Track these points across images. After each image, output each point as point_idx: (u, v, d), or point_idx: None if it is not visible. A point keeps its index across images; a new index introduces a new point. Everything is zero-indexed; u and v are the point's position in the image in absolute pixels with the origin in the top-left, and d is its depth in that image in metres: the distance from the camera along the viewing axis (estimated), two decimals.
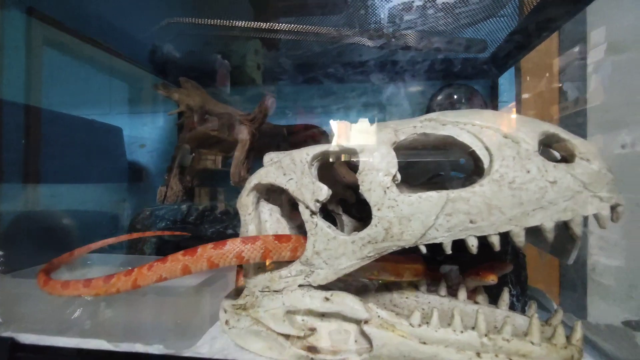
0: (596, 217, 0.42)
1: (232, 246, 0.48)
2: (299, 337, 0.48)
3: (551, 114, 0.97)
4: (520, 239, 0.43)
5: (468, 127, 0.46)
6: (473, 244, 0.44)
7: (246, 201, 0.52)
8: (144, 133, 1.17)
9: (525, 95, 0.98)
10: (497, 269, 0.59)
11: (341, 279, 0.48)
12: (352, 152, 0.48)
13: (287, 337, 0.48)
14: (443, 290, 0.58)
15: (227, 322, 0.52)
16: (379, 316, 0.46)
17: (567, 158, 0.45)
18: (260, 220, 0.54)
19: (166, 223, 0.69)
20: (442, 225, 0.44)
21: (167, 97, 0.93)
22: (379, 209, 0.45)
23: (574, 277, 0.97)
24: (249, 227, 0.52)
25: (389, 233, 0.45)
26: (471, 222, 0.43)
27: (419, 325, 0.45)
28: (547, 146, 0.48)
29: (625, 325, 0.73)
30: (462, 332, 0.44)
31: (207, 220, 0.70)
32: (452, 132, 0.46)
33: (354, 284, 0.61)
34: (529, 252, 0.82)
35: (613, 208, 0.43)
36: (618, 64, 0.89)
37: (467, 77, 0.99)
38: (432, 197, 0.44)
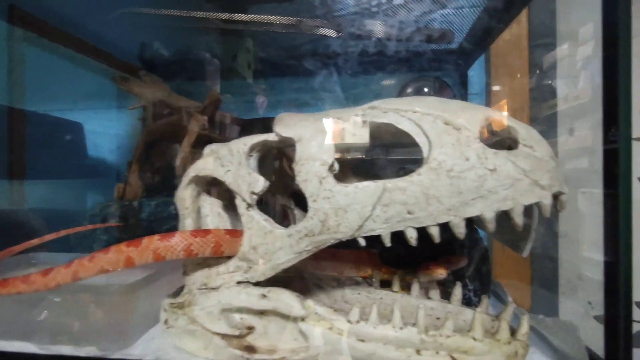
0: (538, 206, 0.40)
1: (181, 239, 0.46)
2: (236, 336, 0.46)
3: (521, 105, 0.96)
4: (460, 230, 0.41)
5: (409, 114, 0.44)
6: (412, 235, 0.42)
7: (183, 194, 0.50)
8: (111, 129, 1.14)
9: (495, 87, 0.96)
10: (451, 263, 0.57)
11: (297, 274, 0.47)
12: (289, 142, 0.45)
13: (223, 336, 0.46)
14: (396, 286, 0.56)
15: (166, 322, 0.50)
16: (316, 313, 0.44)
17: (512, 145, 0.43)
18: (201, 214, 0.51)
19: (117, 220, 0.66)
20: (379, 217, 0.42)
21: (127, 91, 0.91)
22: (314, 200, 0.43)
23: (545, 272, 0.95)
24: (185, 221, 0.50)
25: (325, 225, 0.43)
26: (409, 212, 0.41)
27: (357, 322, 0.43)
28: (495, 134, 0.46)
29: (598, 320, 0.72)
30: (401, 328, 0.42)
31: (160, 217, 0.68)
32: (393, 119, 0.44)
33: (311, 280, 0.59)
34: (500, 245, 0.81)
35: (556, 197, 0.41)
36: (586, 55, 0.88)
37: (437, 69, 0.98)
38: (369, 187, 0.42)
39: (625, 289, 0.42)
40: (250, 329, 0.46)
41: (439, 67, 0.98)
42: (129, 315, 0.50)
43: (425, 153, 0.42)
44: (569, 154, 0.85)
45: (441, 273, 0.50)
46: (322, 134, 0.44)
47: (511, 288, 0.84)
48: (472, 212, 0.40)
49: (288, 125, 0.46)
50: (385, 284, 0.57)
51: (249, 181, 0.46)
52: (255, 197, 0.46)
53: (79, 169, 0.95)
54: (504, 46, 0.96)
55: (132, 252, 0.45)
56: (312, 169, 0.43)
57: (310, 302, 0.44)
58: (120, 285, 0.51)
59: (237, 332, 0.45)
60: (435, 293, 0.54)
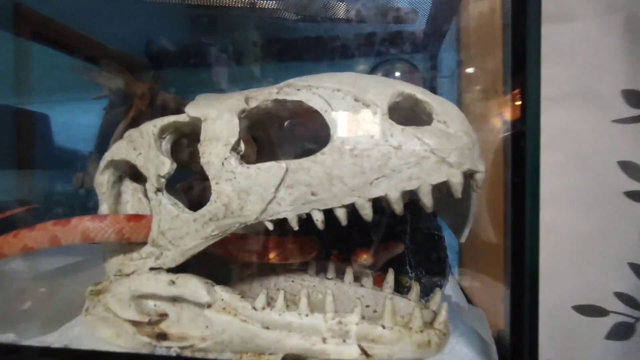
0: (448, 185, 0.38)
1: (113, 221, 0.45)
2: (148, 323, 0.45)
3: (495, 87, 0.92)
4: (365, 211, 0.39)
5: (320, 90, 0.41)
6: (318, 218, 0.40)
7: (100, 179, 0.49)
8: (83, 120, 1.14)
9: (467, 69, 0.92)
10: (387, 250, 0.55)
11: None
12: (198, 121, 0.44)
13: (133, 323, 0.45)
14: (331, 273, 0.54)
15: (87, 309, 0.49)
16: (222, 300, 0.42)
17: (428, 121, 0.40)
18: (122, 200, 0.50)
19: (63, 209, 0.66)
20: (284, 199, 0.40)
21: (90, 80, 0.90)
22: (217, 183, 0.41)
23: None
24: (102, 207, 0.48)
25: (228, 209, 0.41)
26: (313, 194, 0.39)
27: (263, 309, 0.41)
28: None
29: (575, 310, 0.69)
30: (307, 315, 0.40)
31: None
32: (304, 96, 0.42)
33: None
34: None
35: (471, 175, 0.38)
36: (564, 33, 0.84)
37: (406, 51, 0.94)
38: (271, 168, 0.39)
39: (530, 272, 0.39)
40: (163, 315, 0.45)
41: (409, 49, 0.94)
42: (50, 302, 0.50)
43: (332, 131, 0.40)
44: None
45: (365, 259, 0.48)
46: (229, 113, 0.42)
47: (480, 280, 0.81)
48: (376, 193, 0.38)
49: (197, 105, 0.44)
50: (322, 271, 0.55)
51: (156, 164, 0.44)
52: (162, 180, 0.44)
53: (46, 159, 0.95)
54: (475, 25, 0.91)
55: (58, 231, 0.44)
56: (214, 150, 0.41)
57: (217, 289, 0.43)
58: (42, 272, 0.50)
59: (146, 319, 0.44)
60: (367, 280, 0.52)
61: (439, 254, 0.64)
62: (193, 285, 0.43)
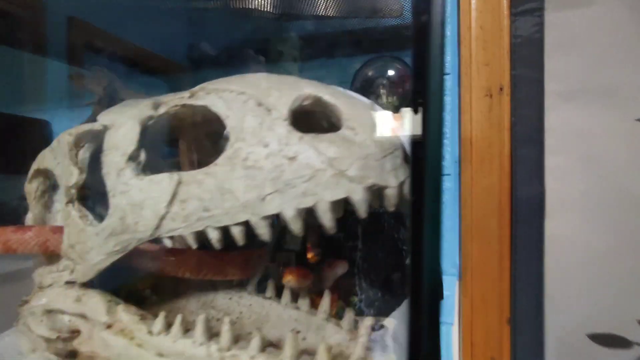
0: (352, 203, 0.32)
1: (37, 233, 0.44)
2: (62, 339, 0.43)
3: (500, 84, 0.82)
4: (262, 231, 0.34)
5: (225, 94, 0.37)
6: (212, 237, 0.36)
7: (28, 188, 0.48)
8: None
9: (468, 65, 0.83)
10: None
11: None
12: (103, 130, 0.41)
13: (46, 339, 0.43)
14: (269, 292, 0.49)
15: (17, 320, 0.49)
16: (121, 320, 0.39)
17: (338, 127, 0.35)
18: (53, 209, 0.49)
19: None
20: (178, 214, 0.36)
21: (80, 88, 0.92)
22: (113, 195, 0.38)
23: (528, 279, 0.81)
24: (27, 216, 0.48)
25: (124, 223, 0.38)
26: (205, 210, 0.35)
27: (159, 334, 0.38)
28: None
29: (592, 339, 0.60)
30: (201, 344, 0.36)
31: None
32: (209, 101, 0.38)
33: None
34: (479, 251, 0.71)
35: (381, 190, 0.33)
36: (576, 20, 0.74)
37: (399, 48, 0.87)
38: (163, 181, 0.36)
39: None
40: (75, 332, 0.43)
41: (403, 46, 0.87)
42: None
43: (229, 140, 0.36)
44: None
45: (288, 280, 0.43)
46: (131, 121, 0.39)
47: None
48: (270, 210, 0.33)
49: (110, 112, 0.42)
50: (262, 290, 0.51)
51: (67, 174, 0.42)
52: (72, 191, 0.42)
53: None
54: (477, 16, 0.83)
55: None
56: (112, 160, 0.38)
57: (119, 308, 0.40)
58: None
59: (54, 335, 0.42)
60: (304, 302, 0.47)
61: (404, 273, 0.57)
62: (94, 304, 0.40)
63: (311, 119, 0.38)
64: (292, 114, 0.34)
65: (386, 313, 0.49)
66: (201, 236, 0.37)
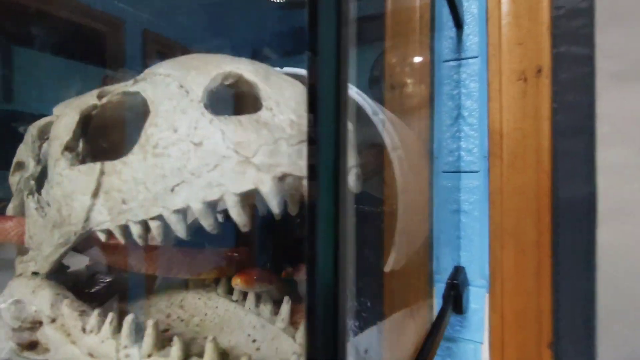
0: (260, 193, 0.27)
1: (17, 224, 0.46)
2: (25, 329, 0.44)
3: (539, 65, 0.70)
4: (176, 226, 0.31)
5: (155, 78, 0.35)
6: (134, 232, 0.33)
7: (11, 180, 0.50)
8: None
9: (496, 45, 0.72)
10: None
11: None
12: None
13: (13, 328, 0.44)
14: (236, 294, 0.46)
15: None
16: (62, 315, 0.38)
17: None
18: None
19: None
20: (103, 207, 0.34)
21: None
22: (52, 187, 0.37)
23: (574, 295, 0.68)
24: (9, 206, 0.49)
25: (61, 215, 0.37)
26: (124, 202, 0.32)
27: (91, 332, 0.36)
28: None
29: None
30: (125, 347, 0.34)
31: None
32: (141, 87, 0.35)
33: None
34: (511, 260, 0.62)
35: (300, 182, 0.27)
36: None
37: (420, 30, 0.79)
38: (88, 170, 0.34)
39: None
40: (36, 323, 0.43)
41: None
42: None
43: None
44: None
45: (236, 283, 0.39)
46: (73, 110, 0.38)
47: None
48: (178, 203, 0.30)
49: (64, 103, 0.42)
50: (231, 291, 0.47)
51: (29, 165, 0.43)
52: (31, 182, 0.42)
53: None
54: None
55: None
56: (52, 151, 0.38)
57: (65, 303, 0.39)
58: None
59: (17, 325, 0.43)
60: (265, 308, 0.42)
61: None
62: (42, 296, 0.40)
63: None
64: (210, 94, 0.30)
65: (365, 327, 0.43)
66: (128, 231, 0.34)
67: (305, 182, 0.27)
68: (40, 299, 0.40)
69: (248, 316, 0.43)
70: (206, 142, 0.28)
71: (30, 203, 0.42)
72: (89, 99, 0.39)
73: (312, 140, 0.20)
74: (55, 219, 0.38)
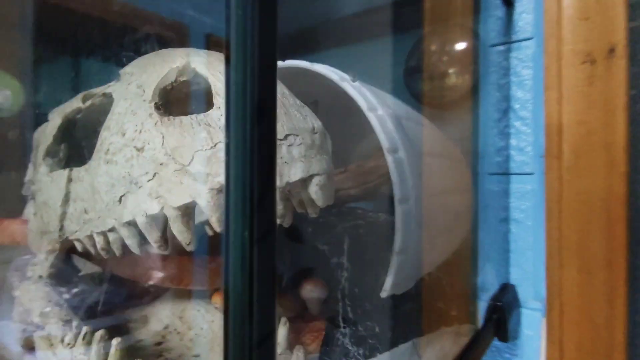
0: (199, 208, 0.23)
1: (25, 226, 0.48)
2: (32, 332, 0.44)
3: (612, 43, 0.57)
4: (129, 240, 0.28)
5: (124, 77, 0.32)
6: (97, 243, 0.31)
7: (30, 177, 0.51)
8: None
9: (554, 22, 0.60)
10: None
11: None
12: None
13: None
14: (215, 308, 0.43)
15: None
16: (50, 323, 0.38)
17: None
18: None
19: None
20: (73, 215, 0.32)
21: None
22: (34, 193, 0.37)
23: None
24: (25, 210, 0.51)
25: (43, 222, 0.36)
26: (85, 212, 0.30)
27: (68, 345, 0.35)
28: None
29: None
30: None
31: None
32: (113, 87, 0.33)
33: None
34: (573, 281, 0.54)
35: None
36: None
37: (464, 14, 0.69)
38: (58, 178, 0.33)
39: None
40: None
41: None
42: None
43: None
44: None
45: (216, 302, 0.35)
46: (57, 114, 0.37)
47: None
48: (125, 215, 0.26)
49: (57, 108, 0.41)
50: None
51: (29, 171, 0.43)
52: (31, 187, 0.42)
53: None
54: None
55: None
56: (36, 156, 0.37)
57: (52, 311, 0.38)
58: None
59: (22, 328, 0.43)
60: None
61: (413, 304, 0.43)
62: (34, 302, 0.40)
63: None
64: (163, 93, 0.27)
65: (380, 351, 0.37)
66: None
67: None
68: (33, 305, 0.40)
69: None
70: (147, 147, 0.24)
71: (30, 208, 0.42)
72: (75, 103, 0.37)
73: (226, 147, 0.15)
74: (39, 225, 0.37)
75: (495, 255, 0.62)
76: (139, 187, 0.25)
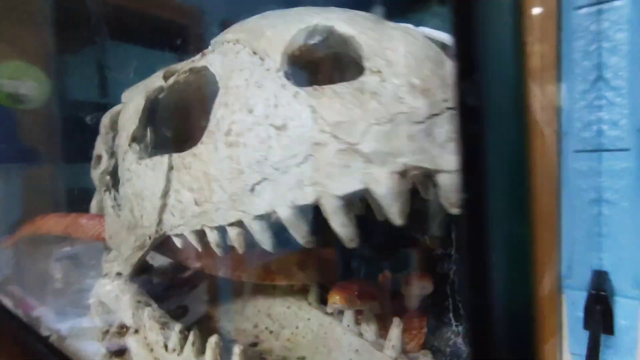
0: (372, 197, 0.19)
1: (97, 222, 0.45)
2: (113, 332, 0.41)
3: None
4: (259, 236, 0.24)
5: (223, 47, 0.28)
6: (211, 239, 0.27)
7: (93, 175, 0.47)
8: None
9: None
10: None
11: None
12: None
13: (102, 329, 0.42)
14: (331, 307, 0.39)
15: None
16: (144, 325, 0.34)
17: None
18: None
19: None
20: (175, 208, 0.28)
21: None
22: (122, 184, 0.33)
23: None
24: (92, 202, 0.47)
25: (134, 216, 0.32)
26: (196, 203, 0.26)
27: (174, 351, 0.31)
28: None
29: None
30: None
31: None
32: (210, 59, 0.29)
33: None
34: None
35: (428, 177, 0.19)
36: None
37: None
38: (156, 165, 0.29)
39: None
40: (123, 328, 0.41)
41: None
42: None
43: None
44: None
45: (335, 301, 0.31)
46: (139, 95, 0.33)
47: None
48: (261, 207, 0.22)
49: (132, 87, 0.37)
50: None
51: (104, 159, 0.39)
52: (107, 177, 0.39)
53: None
54: None
55: (66, 223, 0.47)
56: (120, 142, 0.33)
57: (148, 313, 0.35)
58: None
59: (104, 329, 0.41)
60: (369, 329, 0.35)
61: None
62: (123, 304, 0.37)
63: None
64: (291, 59, 0.22)
65: None
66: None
67: (441, 179, 0.18)
68: (122, 306, 0.37)
69: (347, 336, 0.35)
70: (291, 124, 0.20)
71: (107, 200, 0.39)
72: (155, 81, 0.33)
73: (472, 113, 0.11)
74: (128, 220, 0.33)
75: (584, 240, 0.57)
76: (283, 173, 0.21)
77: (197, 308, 0.45)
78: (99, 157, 0.45)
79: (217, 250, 0.27)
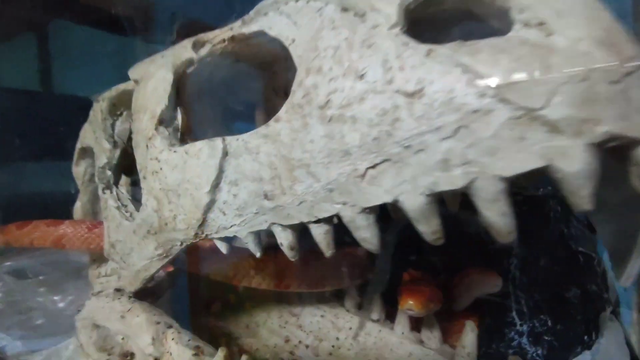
0: (553, 175, 0.15)
1: (87, 228, 0.37)
2: None
3: None
4: (365, 233, 0.19)
5: (288, 6, 0.22)
6: (283, 241, 0.22)
7: (76, 172, 0.40)
8: None
9: None
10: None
11: None
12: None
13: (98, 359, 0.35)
14: (376, 313, 0.35)
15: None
16: (170, 353, 0.28)
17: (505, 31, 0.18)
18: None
19: None
20: (228, 205, 0.23)
21: None
22: (144, 177, 0.27)
23: None
24: (76, 205, 0.39)
25: (161, 217, 0.26)
26: (266, 196, 0.21)
27: None
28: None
29: None
30: None
31: None
32: (266, 22, 0.23)
33: None
34: None
35: (623, 150, 0.15)
36: None
37: None
38: (202, 152, 0.23)
39: None
40: (127, 356, 0.33)
41: None
42: None
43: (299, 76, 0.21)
44: None
45: (410, 307, 0.27)
46: (163, 69, 0.27)
47: None
48: (373, 196, 0.18)
49: (142, 62, 0.30)
50: None
51: (99, 151, 0.32)
52: (108, 173, 0.32)
53: None
54: None
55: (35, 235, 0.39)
56: (139, 127, 0.26)
57: (169, 336, 0.29)
58: None
59: (104, 358, 0.33)
60: (432, 335, 0.31)
61: (586, 289, 0.37)
62: (138, 325, 0.30)
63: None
64: (408, 14, 0.18)
65: (563, 356, 0.31)
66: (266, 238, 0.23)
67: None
68: (135, 328, 0.30)
69: (404, 345, 0.32)
70: (430, 89, 0.16)
71: (109, 200, 0.32)
72: (182, 52, 0.27)
73: None
74: (150, 223, 0.27)
75: None
76: (417, 152, 0.16)
77: (211, 322, 0.39)
78: (86, 150, 0.38)
79: (290, 254, 0.22)
